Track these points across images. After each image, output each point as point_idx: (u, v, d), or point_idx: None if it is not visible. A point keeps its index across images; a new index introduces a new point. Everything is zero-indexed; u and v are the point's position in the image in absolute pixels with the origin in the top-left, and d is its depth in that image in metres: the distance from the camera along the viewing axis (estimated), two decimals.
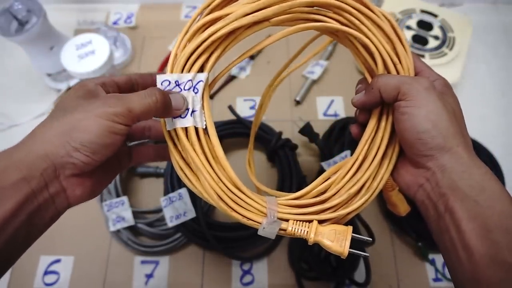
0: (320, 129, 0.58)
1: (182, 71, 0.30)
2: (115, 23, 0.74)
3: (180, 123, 0.30)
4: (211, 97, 0.65)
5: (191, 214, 0.50)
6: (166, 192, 0.52)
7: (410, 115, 0.28)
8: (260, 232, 0.30)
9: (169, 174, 0.53)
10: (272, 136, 0.55)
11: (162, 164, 0.58)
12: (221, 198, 0.30)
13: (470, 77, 0.67)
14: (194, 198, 0.51)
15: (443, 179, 0.27)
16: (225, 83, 0.66)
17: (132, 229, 0.53)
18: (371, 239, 0.33)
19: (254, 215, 0.30)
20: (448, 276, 0.51)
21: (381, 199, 0.55)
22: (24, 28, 0.56)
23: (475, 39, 0.66)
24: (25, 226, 0.25)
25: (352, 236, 0.31)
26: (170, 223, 0.50)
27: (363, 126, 0.35)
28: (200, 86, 0.31)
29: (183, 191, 0.51)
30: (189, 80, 0.30)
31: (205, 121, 0.31)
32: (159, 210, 0.53)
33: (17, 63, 0.69)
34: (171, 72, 0.30)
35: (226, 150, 0.60)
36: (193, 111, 0.30)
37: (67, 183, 0.27)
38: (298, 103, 0.64)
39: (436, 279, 0.51)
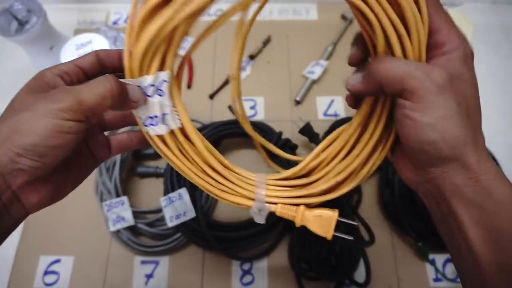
0: (320, 129, 0.58)
1: (140, 74, 0.26)
2: (115, 23, 0.74)
3: (153, 131, 0.28)
4: (211, 97, 0.65)
5: (191, 214, 0.50)
6: (166, 192, 0.52)
7: (414, 121, 0.24)
8: (251, 215, 0.31)
9: (169, 174, 0.53)
10: (272, 136, 0.55)
11: (162, 164, 0.58)
12: (209, 191, 0.30)
13: None
14: (194, 198, 0.51)
15: (445, 184, 0.25)
16: (225, 83, 0.66)
17: (132, 229, 0.53)
18: (356, 223, 0.34)
19: (244, 200, 0.31)
20: (448, 276, 0.51)
21: (381, 199, 0.55)
22: (24, 28, 0.56)
23: (475, 39, 0.66)
24: None
25: (338, 220, 0.32)
26: (170, 223, 0.50)
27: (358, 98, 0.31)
28: (165, 87, 0.27)
29: (183, 191, 0.51)
30: (150, 85, 0.26)
31: (179, 120, 0.28)
32: (159, 210, 0.53)
33: (17, 63, 0.69)
34: (130, 76, 0.26)
35: (226, 150, 0.60)
36: (164, 115, 0.28)
37: (20, 191, 0.24)
38: (298, 103, 0.64)
39: (436, 279, 0.51)
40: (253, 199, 0.31)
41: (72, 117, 0.23)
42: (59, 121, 0.23)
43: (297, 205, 0.31)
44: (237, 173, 0.32)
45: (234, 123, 0.56)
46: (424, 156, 0.25)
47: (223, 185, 0.31)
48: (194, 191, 0.53)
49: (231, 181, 0.31)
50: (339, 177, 0.31)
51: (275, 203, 0.31)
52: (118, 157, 0.54)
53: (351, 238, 0.32)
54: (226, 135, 0.56)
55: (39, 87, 0.26)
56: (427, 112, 0.23)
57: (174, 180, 0.52)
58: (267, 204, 0.31)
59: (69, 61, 0.28)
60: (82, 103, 0.23)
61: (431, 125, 0.24)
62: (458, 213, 0.24)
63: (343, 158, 0.31)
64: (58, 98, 0.23)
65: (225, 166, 0.31)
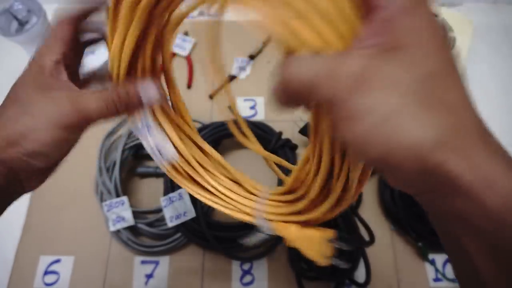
0: None
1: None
2: None
3: (163, 168, 0.30)
4: (211, 97, 0.65)
5: (191, 214, 0.50)
6: (166, 192, 0.52)
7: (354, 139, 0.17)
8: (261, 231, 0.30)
9: None
10: (272, 136, 0.55)
11: None
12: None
13: (471, 78, 0.67)
14: (194, 198, 0.51)
15: (441, 207, 0.18)
16: (225, 83, 0.66)
17: (132, 229, 0.53)
18: (350, 249, 0.30)
19: (245, 215, 0.30)
20: (448, 276, 0.51)
21: (381, 199, 0.55)
22: (24, 28, 0.56)
23: (475, 39, 0.66)
24: None
25: (333, 239, 0.28)
26: (170, 223, 0.50)
27: None
28: (153, 128, 0.29)
29: (183, 191, 0.51)
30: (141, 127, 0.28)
31: (174, 154, 0.29)
32: (159, 210, 0.53)
33: (17, 63, 0.69)
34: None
35: (226, 150, 0.60)
36: (160, 151, 0.29)
37: (25, 181, 0.27)
38: None
39: (436, 279, 0.51)
40: (253, 215, 0.30)
41: (78, 131, 0.27)
42: (64, 133, 0.26)
43: (291, 222, 0.29)
44: (242, 185, 0.32)
45: (234, 123, 0.56)
46: (391, 179, 0.18)
47: (225, 201, 0.30)
48: None
49: (234, 199, 0.31)
50: (330, 202, 0.26)
51: (272, 220, 0.30)
52: (118, 157, 0.54)
53: (346, 266, 0.31)
54: (226, 135, 0.56)
55: (41, 80, 0.26)
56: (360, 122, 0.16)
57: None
58: (267, 221, 0.30)
59: (53, 39, 0.27)
60: (88, 118, 0.26)
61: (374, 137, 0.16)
62: (464, 242, 0.17)
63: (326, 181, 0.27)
64: (65, 112, 0.25)
65: (233, 180, 0.31)
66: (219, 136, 0.55)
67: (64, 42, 0.27)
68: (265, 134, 0.55)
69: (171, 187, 0.52)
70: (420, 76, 0.15)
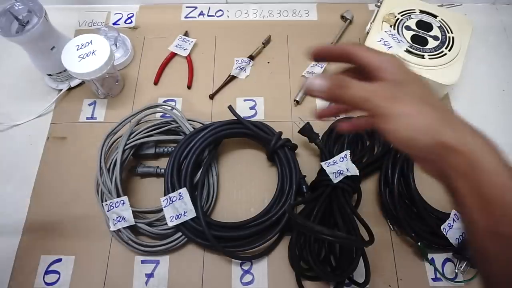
0: (320, 129, 0.58)
1: None
2: (115, 23, 0.74)
3: None
4: (211, 97, 0.65)
5: (191, 214, 0.50)
6: (166, 192, 0.53)
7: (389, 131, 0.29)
8: None
9: (169, 174, 0.53)
10: (272, 136, 0.55)
11: (162, 164, 0.58)
12: None
13: (470, 77, 0.67)
14: (194, 198, 0.52)
15: (440, 163, 0.28)
16: (225, 83, 0.66)
17: (132, 229, 0.53)
18: None
19: None
20: (447, 275, 0.51)
21: (381, 199, 0.55)
22: (25, 29, 0.56)
23: (475, 39, 0.66)
24: None
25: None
26: (170, 223, 0.51)
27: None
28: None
29: (183, 191, 0.51)
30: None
31: None
32: (159, 210, 0.53)
33: (17, 63, 0.69)
34: None
35: (226, 150, 0.60)
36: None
37: None
38: (297, 103, 0.64)
39: (436, 279, 0.51)
40: None
41: None
42: None
43: None
44: None
45: (234, 123, 0.56)
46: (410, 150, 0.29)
47: None
48: (194, 191, 0.53)
49: None
50: None
51: None
52: (118, 157, 0.54)
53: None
54: (226, 135, 0.56)
55: None
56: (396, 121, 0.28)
57: (174, 180, 0.53)
58: None
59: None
60: None
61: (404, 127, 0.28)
62: (456, 185, 0.27)
63: None
64: None
65: None
66: (219, 136, 0.56)
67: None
68: (265, 134, 0.55)
69: (171, 187, 0.53)
70: (422, 94, 0.29)
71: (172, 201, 0.51)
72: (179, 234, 0.52)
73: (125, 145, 0.56)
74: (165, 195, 0.52)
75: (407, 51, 0.62)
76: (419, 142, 0.27)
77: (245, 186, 0.58)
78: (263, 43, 0.70)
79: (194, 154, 0.54)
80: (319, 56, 0.35)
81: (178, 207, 0.51)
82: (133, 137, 0.57)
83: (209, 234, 0.49)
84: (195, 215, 0.51)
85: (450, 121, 0.28)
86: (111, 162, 0.55)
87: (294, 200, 0.52)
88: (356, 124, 0.35)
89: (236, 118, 0.56)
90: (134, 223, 0.52)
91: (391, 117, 0.28)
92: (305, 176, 0.56)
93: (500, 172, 0.25)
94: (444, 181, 0.29)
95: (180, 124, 0.58)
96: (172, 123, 0.59)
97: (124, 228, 0.52)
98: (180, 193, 0.51)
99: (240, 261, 0.52)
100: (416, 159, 0.31)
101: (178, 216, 0.51)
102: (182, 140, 0.55)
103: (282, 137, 0.56)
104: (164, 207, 0.51)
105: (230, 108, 0.56)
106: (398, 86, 0.29)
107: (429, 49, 0.62)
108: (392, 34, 0.63)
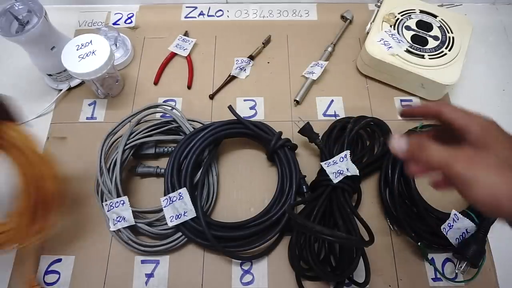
0: (320, 129, 0.58)
1: None
2: (115, 23, 0.74)
3: None
4: (211, 97, 0.65)
5: (191, 214, 0.50)
6: (166, 192, 0.53)
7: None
8: None
9: (169, 174, 0.53)
10: (272, 136, 0.55)
11: (162, 164, 0.58)
12: None
13: (470, 77, 0.67)
14: (195, 198, 0.52)
15: None
16: (225, 83, 0.66)
17: (132, 228, 0.53)
18: None
19: None
20: (447, 275, 0.51)
21: (381, 199, 0.55)
22: (24, 29, 0.56)
23: (474, 39, 0.66)
24: None
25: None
26: (170, 223, 0.51)
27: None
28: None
29: (183, 191, 0.51)
30: None
31: None
32: (159, 210, 0.53)
33: (17, 63, 0.69)
34: None
35: (226, 150, 0.60)
36: None
37: None
38: (297, 103, 0.64)
39: (436, 279, 0.51)
40: None
41: None
42: None
43: None
44: None
45: (235, 123, 0.56)
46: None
47: None
48: (194, 191, 0.53)
49: None
50: None
51: None
52: (118, 157, 0.54)
53: None
54: (226, 135, 0.56)
55: None
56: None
57: (174, 180, 0.53)
58: None
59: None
60: None
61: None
62: None
63: None
64: None
65: None
66: (219, 136, 0.56)
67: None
68: (265, 134, 0.55)
69: (171, 187, 0.53)
70: (508, 157, 0.29)
71: (172, 201, 0.51)
72: (179, 234, 0.52)
73: (125, 145, 0.56)
74: (165, 195, 0.52)
75: (407, 51, 0.62)
76: (503, 209, 0.27)
77: (245, 186, 0.58)
78: (263, 43, 0.70)
79: (194, 154, 0.54)
80: (406, 116, 0.37)
81: (178, 207, 0.51)
82: (133, 137, 0.57)
83: (209, 234, 0.49)
84: (195, 215, 0.51)
85: None
86: (111, 162, 0.55)
87: (294, 200, 0.52)
88: (434, 181, 0.35)
89: (236, 118, 0.56)
90: (134, 223, 0.52)
91: (471, 184, 0.28)
92: (305, 176, 0.56)
93: None
94: None
95: (180, 124, 0.58)
96: (172, 123, 0.59)
97: (124, 228, 0.52)
98: (180, 193, 0.51)
99: (240, 261, 0.52)
100: (503, 220, 0.30)
101: (178, 216, 0.51)
102: (182, 140, 0.55)
103: (282, 137, 0.56)
104: (164, 207, 0.51)
105: (230, 108, 0.56)
106: (480, 150, 0.30)
107: (429, 49, 0.62)
108: (392, 34, 0.64)
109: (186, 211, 0.51)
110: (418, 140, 0.32)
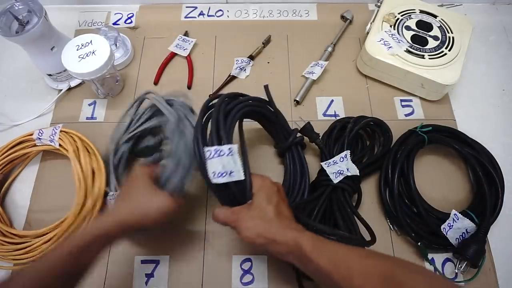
0: (320, 129, 0.58)
1: None
2: (115, 23, 0.74)
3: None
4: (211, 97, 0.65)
5: (238, 175, 0.43)
6: (211, 143, 0.43)
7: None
8: None
9: (216, 123, 0.44)
10: (289, 134, 0.55)
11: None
12: None
13: (470, 77, 0.67)
14: (246, 161, 0.44)
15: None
16: (225, 83, 0.66)
17: None
18: None
19: None
20: (447, 275, 0.51)
21: (381, 199, 0.55)
22: (25, 29, 0.56)
23: (474, 39, 0.66)
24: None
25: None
26: (214, 179, 0.42)
27: None
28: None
29: (234, 147, 0.43)
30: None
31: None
32: None
33: (17, 63, 0.69)
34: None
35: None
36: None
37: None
38: (298, 103, 0.64)
39: None
40: None
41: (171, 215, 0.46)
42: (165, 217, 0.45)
43: None
44: None
45: (266, 103, 0.54)
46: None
47: None
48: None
49: None
50: None
51: None
52: (124, 155, 0.54)
53: None
54: (256, 112, 0.52)
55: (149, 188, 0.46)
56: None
57: (221, 132, 0.44)
58: None
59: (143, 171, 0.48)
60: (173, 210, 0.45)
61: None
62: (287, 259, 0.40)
63: None
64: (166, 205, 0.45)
65: None
66: (254, 111, 0.51)
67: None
68: (286, 126, 0.56)
69: (216, 139, 0.43)
70: (260, 212, 0.42)
71: (220, 155, 0.42)
72: None
73: (124, 141, 0.55)
74: (209, 145, 0.43)
75: (407, 51, 0.62)
76: (256, 243, 0.40)
77: None
78: (263, 43, 0.70)
79: (238, 112, 0.47)
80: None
81: (226, 164, 0.42)
82: (129, 132, 0.55)
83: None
84: (243, 177, 0.43)
85: (292, 226, 0.41)
86: (115, 160, 0.55)
87: (305, 197, 0.52)
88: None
89: (268, 99, 0.54)
90: None
91: (239, 231, 0.42)
92: None
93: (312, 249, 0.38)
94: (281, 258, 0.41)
95: (160, 106, 0.52)
96: (154, 107, 0.55)
97: None
98: (230, 148, 0.42)
99: (241, 258, 0.52)
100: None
101: (223, 173, 0.42)
102: (224, 96, 0.48)
103: None
104: (209, 158, 0.42)
105: (266, 88, 0.55)
106: (247, 208, 0.42)
107: (429, 49, 0.62)
108: (392, 34, 0.64)
109: (233, 171, 0.42)
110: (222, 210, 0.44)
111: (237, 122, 0.48)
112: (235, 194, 0.43)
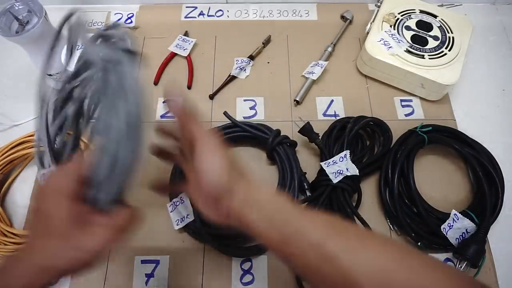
0: (320, 129, 0.58)
1: None
2: None
3: None
4: (211, 97, 0.65)
5: (192, 216, 0.52)
6: (170, 198, 0.54)
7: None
8: None
9: (172, 182, 0.53)
10: (270, 134, 0.55)
11: None
12: None
13: (470, 77, 0.67)
14: None
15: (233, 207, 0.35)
16: (225, 83, 0.66)
17: None
18: None
19: None
20: None
21: (381, 199, 0.55)
22: (25, 29, 0.56)
23: (474, 39, 0.66)
24: None
25: None
26: (177, 226, 0.53)
27: None
28: None
29: (184, 194, 0.52)
30: None
31: None
32: None
33: (17, 63, 0.69)
34: None
35: None
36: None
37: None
38: (298, 103, 0.64)
39: None
40: None
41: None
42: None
43: None
44: None
45: (231, 127, 0.57)
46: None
47: None
48: None
49: None
50: None
51: None
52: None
53: None
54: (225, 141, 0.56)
55: (72, 213, 0.31)
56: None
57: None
58: None
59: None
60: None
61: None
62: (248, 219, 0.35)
63: None
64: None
65: None
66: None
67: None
68: (263, 134, 0.55)
69: (174, 193, 0.54)
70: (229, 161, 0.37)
71: (176, 206, 0.53)
72: None
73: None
74: (170, 200, 0.54)
75: (407, 51, 0.62)
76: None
77: None
78: (263, 43, 0.70)
79: None
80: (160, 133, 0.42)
81: (182, 211, 0.52)
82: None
83: (205, 234, 0.49)
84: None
85: (243, 178, 0.37)
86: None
87: (297, 195, 0.52)
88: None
89: (232, 122, 0.56)
90: None
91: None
92: (305, 172, 0.56)
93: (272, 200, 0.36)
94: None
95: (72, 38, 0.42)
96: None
97: None
98: (181, 196, 0.53)
99: (241, 259, 0.52)
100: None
101: (182, 219, 0.53)
102: None
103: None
104: (171, 212, 0.53)
105: (226, 114, 0.56)
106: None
107: (429, 49, 0.62)
108: (392, 34, 0.64)
109: (188, 214, 0.52)
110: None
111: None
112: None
